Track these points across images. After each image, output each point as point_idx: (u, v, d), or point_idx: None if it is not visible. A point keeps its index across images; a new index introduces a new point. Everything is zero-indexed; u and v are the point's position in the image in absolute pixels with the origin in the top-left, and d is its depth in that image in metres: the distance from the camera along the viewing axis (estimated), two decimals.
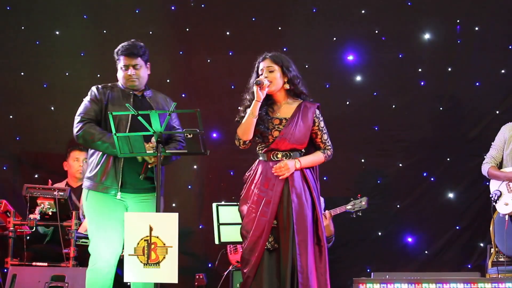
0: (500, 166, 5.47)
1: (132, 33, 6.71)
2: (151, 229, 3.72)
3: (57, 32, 6.88)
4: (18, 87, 6.86)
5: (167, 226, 3.71)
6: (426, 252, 6.39)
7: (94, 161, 4.33)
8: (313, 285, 4.02)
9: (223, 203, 5.60)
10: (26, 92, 6.84)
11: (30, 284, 5.19)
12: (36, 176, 6.74)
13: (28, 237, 5.78)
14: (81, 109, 4.38)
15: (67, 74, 6.81)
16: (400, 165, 6.49)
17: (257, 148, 4.30)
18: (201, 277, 6.10)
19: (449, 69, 6.48)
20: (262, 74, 4.22)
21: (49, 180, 5.99)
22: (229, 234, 5.33)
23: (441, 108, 6.48)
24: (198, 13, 6.77)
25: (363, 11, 6.62)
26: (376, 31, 6.58)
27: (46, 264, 5.47)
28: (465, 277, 4.87)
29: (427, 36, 6.52)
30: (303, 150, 4.27)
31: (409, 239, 6.42)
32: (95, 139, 4.24)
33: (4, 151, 6.83)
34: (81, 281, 4.64)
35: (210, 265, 6.43)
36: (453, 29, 6.49)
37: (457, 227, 6.35)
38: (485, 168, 5.47)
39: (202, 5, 6.77)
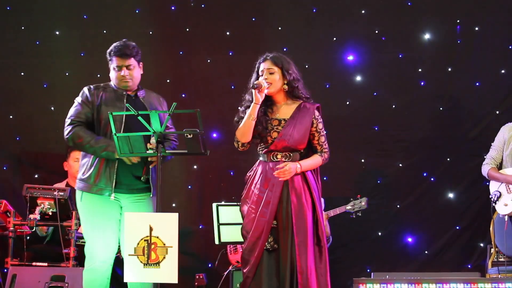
0: (500, 166, 5.47)
1: (132, 33, 6.75)
2: (151, 229, 3.72)
3: (57, 32, 6.88)
4: (18, 87, 6.86)
5: (167, 226, 3.71)
6: (426, 252, 6.39)
7: (87, 163, 4.32)
8: (312, 285, 4.02)
9: (223, 203, 5.59)
10: (26, 92, 6.84)
11: (30, 284, 5.19)
12: (36, 176, 6.75)
13: (28, 237, 5.78)
14: (71, 111, 4.35)
15: (67, 74, 6.81)
16: (400, 165, 6.49)
17: (258, 149, 4.30)
18: (201, 277, 6.10)
19: (449, 69, 6.48)
20: (262, 75, 4.21)
21: None
22: (229, 234, 5.33)
23: (441, 108, 6.48)
24: (198, 13, 6.77)
25: (363, 11, 6.62)
26: (376, 31, 6.58)
27: (46, 264, 5.46)
28: (465, 277, 4.86)
29: (427, 36, 6.52)
30: (302, 151, 4.26)
31: (409, 239, 6.42)
32: (83, 143, 4.24)
33: (4, 151, 6.83)
34: (81, 281, 4.63)
35: (210, 265, 6.43)
36: (453, 29, 6.50)
37: (457, 227, 6.35)
38: (485, 169, 5.47)
39: (202, 5, 6.77)
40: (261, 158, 4.28)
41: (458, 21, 6.47)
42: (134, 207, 4.28)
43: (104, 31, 6.76)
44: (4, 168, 6.80)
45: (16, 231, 5.58)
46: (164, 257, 3.70)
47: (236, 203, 5.26)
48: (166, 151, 4.05)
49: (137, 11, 6.86)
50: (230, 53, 6.74)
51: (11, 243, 5.54)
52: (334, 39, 6.61)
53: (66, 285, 5.09)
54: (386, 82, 6.58)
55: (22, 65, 6.86)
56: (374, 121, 6.54)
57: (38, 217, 5.49)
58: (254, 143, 4.26)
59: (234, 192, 6.25)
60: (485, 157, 5.58)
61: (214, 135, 6.65)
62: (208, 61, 6.77)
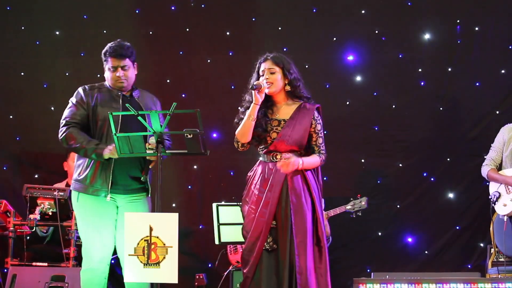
0: (499, 167, 5.47)
1: (132, 33, 6.76)
2: (151, 229, 3.72)
3: (57, 32, 6.89)
4: (18, 87, 6.86)
5: (167, 226, 3.71)
6: (426, 252, 6.39)
7: (82, 164, 4.31)
8: (312, 286, 4.01)
9: (223, 203, 5.59)
10: (26, 92, 6.85)
11: (30, 284, 5.19)
12: (36, 176, 6.75)
13: (28, 237, 5.78)
14: (66, 113, 4.34)
15: (67, 74, 6.82)
16: (400, 165, 6.49)
17: (258, 149, 4.29)
18: (201, 277, 6.10)
19: (449, 69, 6.48)
20: (263, 75, 4.20)
21: None
22: (229, 234, 5.33)
23: (441, 108, 6.48)
24: (198, 13, 6.77)
25: (363, 11, 6.62)
26: (376, 31, 6.58)
27: (46, 264, 5.47)
28: (465, 277, 4.86)
29: (427, 36, 6.52)
30: (302, 152, 4.25)
31: (409, 239, 6.42)
32: (75, 144, 4.22)
33: (4, 151, 6.84)
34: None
35: (210, 265, 6.43)
36: (453, 29, 6.50)
37: (457, 227, 6.35)
38: (485, 171, 5.47)
39: (202, 5, 6.77)
40: (261, 159, 4.28)
41: (458, 21, 6.48)
42: (130, 207, 4.28)
43: (104, 31, 6.76)
44: (4, 168, 6.80)
45: (16, 231, 5.59)
46: (164, 257, 3.70)
47: (236, 203, 5.27)
48: (166, 151, 4.05)
49: (137, 11, 6.86)
50: (230, 53, 6.74)
51: (11, 243, 5.55)
52: (334, 39, 6.61)
53: (66, 285, 5.10)
54: (386, 82, 6.58)
55: (22, 65, 6.87)
56: (374, 121, 6.55)
57: (38, 217, 5.49)
58: (254, 144, 4.26)
59: (234, 192, 6.26)
60: (485, 157, 5.58)
61: (214, 135, 6.65)
62: (208, 61, 6.77)
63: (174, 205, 6.57)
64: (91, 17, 6.87)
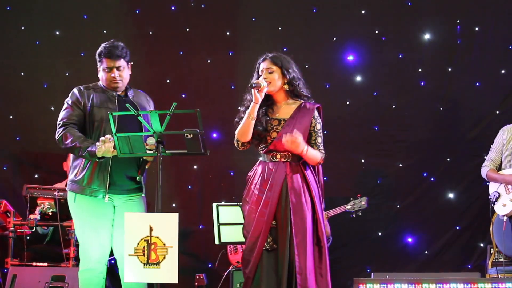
0: (499, 168, 5.47)
1: (132, 33, 6.77)
2: (151, 229, 3.72)
3: (57, 32, 6.89)
4: (18, 87, 6.86)
5: (167, 226, 3.71)
6: (426, 252, 6.39)
7: (79, 165, 4.30)
8: (311, 286, 4.01)
9: (223, 203, 5.60)
10: (26, 92, 6.85)
11: (30, 284, 5.19)
12: (36, 176, 6.75)
13: (28, 237, 5.78)
14: (62, 114, 4.33)
15: (67, 74, 6.82)
16: (400, 165, 6.49)
17: (258, 149, 4.29)
18: (201, 277, 6.10)
19: (449, 69, 6.48)
20: (262, 75, 4.21)
21: None
22: (229, 234, 5.33)
23: (441, 108, 6.48)
24: (198, 13, 6.77)
25: (363, 11, 6.62)
26: (376, 31, 6.58)
27: (46, 264, 5.47)
28: (465, 277, 4.86)
29: (427, 36, 6.52)
30: None
31: (409, 239, 6.42)
32: (71, 143, 4.20)
33: (4, 151, 6.84)
34: None
35: (210, 265, 6.44)
36: (453, 29, 6.50)
37: (457, 227, 6.35)
38: (484, 171, 5.47)
39: (202, 5, 6.77)
40: (261, 158, 4.28)
41: (458, 21, 6.48)
42: (127, 207, 4.28)
43: (104, 31, 6.76)
44: (4, 168, 6.81)
45: (16, 231, 5.59)
46: (164, 257, 3.70)
47: (236, 203, 5.28)
48: (166, 152, 4.05)
49: (137, 11, 6.86)
50: (230, 53, 6.75)
51: (11, 243, 5.55)
52: (334, 39, 6.61)
53: (66, 285, 5.10)
54: (386, 82, 6.59)
55: (22, 65, 6.87)
56: (374, 121, 6.55)
57: (38, 217, 5.49)
58: (254, 143, 4.26)
59: (234, 192, 6.27)
60: (485, 157, 5.58)
61: (214, 135, 6.65)
62: (208, 61, 6.77)
63: (174, 205, 6.57)
64: (91, 17, 6.87)
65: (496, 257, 5.58)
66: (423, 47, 6.54)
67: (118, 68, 4.35)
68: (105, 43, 4.42)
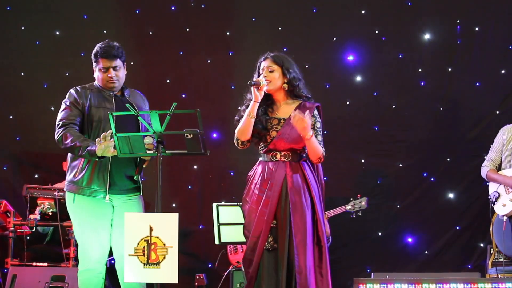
0: (499, 168, 5.47)
1: (132, 33, 6.76)
2: (151, 229, 3.72)
3: (57, 32, 6.89)
4: (18, 87, 6.86)
5: (167, 226, 3.70)
6: (426, 252, 6.40)
7: (78, 166, 4.31)
8: (311, 285, 4.01)
9: (223, 203, 5.60)
10: (26, 92, 6.85)
11: (30, 284, 5.20)
12: (36, 176, 6.75)
13: (28, 237, 5.79)
14: (61, 115, 4.32)
15: (67, 74, 6.82)
16: (400, 165, 6.49)
17: (258, 148, 4.30)
18: (201, 277, 6.10)
19: (449, 69, 6.48)
20: (262, 73, 4.22)
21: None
22: (229, 234, 5.33)
23: (441, 108, 6.48)
24: (198, 13, 6.77)
25: (363, 11, 6.62)
26: (376, 31, 6.58)
27: (46, 264, 5.47)
28: (465, 277, 4.87)
29: (427, 36, 6.52)
30: (302, 151, 4.25)
31: (409, 239, 6.42)
32: (71, 142, 4.20)
33: (4, 151, 6.84)
34: None
35: (210, 265, 6.44)
36: (453, 29, 6.50)
37: (457, 227, 6.36)
38: (484, 171, 5.47)
39: (202, 5, 6.77)
40: (261, 158, 4.29)
41: (458, 21, 6.48)
42: (126, 207, 4.28)
43: (104, 31, 6.76)
44: (4, 168, 6.81)
45: (16, 231, 5.59)
46: (164, 257, 3.70)
47: (236, 203, 5.28)
48: (166, 152, 4.05)
49: (137, 11, 6.86)
50: (230, 53, 6.75)
51: (11, 243, 5.55)
52: (334, 39, 6.62)
53: (66, 285, 5.10)
54: (386, 82, 6.59)
55: (22, 65, 6.87)
56: (374, 121, 6.55)
57: (38, 217, 5.49)
58: (254, 142, 4.27)
59: (234, 192, 6.27)
60: (485, 157, 5.58)
61: (214, 135, 6.65)
62: (208, 61, 6.77)
63: (174, 205, 6.57)
64: (91, 17, 6.88)
65: (496, 257, 5.58)
66: (423, 47, 6.54)
67: (114, 68, 4.35)
68: (101, 43, 4.43)
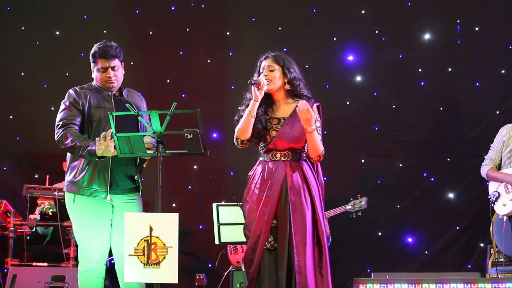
0: (499, 168, 5.47)
1: (132, 33, 6.76)
2: (151, 229, 3.72)
3: (57, 32, 6.89)
4: (18, 87, 6.86)
5: (167, 226, 3.71)
6: (426, 252, 6.40)
7: (78, 166, 4.31)
8: (311, 285, 4.01)
9: (223, 203, 5.59)
10: (26, 92, 6.85)
11: (30, 284, 5.20)
12: (36, 176, 6.75)
13: (28, 237, 5.78)
14: (61, 115, 4.32)
15: (67, 74, 6.82)
16: (400, 165, 6.50)
17: (258, 148, 4.30)
18: (201, 277, 6.10)
19: (449, 69, 6.49)
20: (262, 73, 4.22)
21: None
22: (229, 234, 5.33)
23: (441, 108, 6.48)
24: (198, 13, 6.78)
25: (363, 11, 6.62)
26: (376, 31, 6.58)
27: (46, 264, 5.47)
28: (465, 277, 4.87)
29: (427, 36, 6.52)
30: (301, 150, 4.25)
31: (409, 239, 6.42)
32: (71, 142, 4.20)
33: (4, 151, 6.84)
34: None
35: (210, 265, 6.44)
36: (453, 29, 6.50)
37: (457, 227, 6.36)
38: (484, 170, 5.47)
39: (202, 5, 6.78)
40: (261, 158, 4.29)
41: (458, 21, 6.48)
42: (126, 207, 4.28)
43: (104, 31, 6.76)
44: (4, 168, 6.81)
45: (16, 231, 5.59)
46: (164, 257, 3.70)
47: (236, 203, 5.27)
48: (166, 152, 4.05)
49: (137, 11, 6.86)
50: (230, 53, 6.75)
51: (11, 243, 5.55)
52: (334, 39, 6.62)
53: (66, 285, 5.10)
54: (386, 82, 6.59)
55: (22, 65, 6.87)
56: (374, 121, 6.55)
57: (38, 217, 5.49)
58: (253, 142, 4.26)
59: (234, 192, 6.27)
60: (485, 157, 5.58)
61: (214, 135, 6.65)
62: (208, 61, 6.77)
63: (174, 205, 6.57)
64: (91, 17, 6.88)
65: (496, 257, 5.57)
66: (423, 47, 6.54)
67: (113, 68, 4.35)
68: (98, 43, 4.43)
